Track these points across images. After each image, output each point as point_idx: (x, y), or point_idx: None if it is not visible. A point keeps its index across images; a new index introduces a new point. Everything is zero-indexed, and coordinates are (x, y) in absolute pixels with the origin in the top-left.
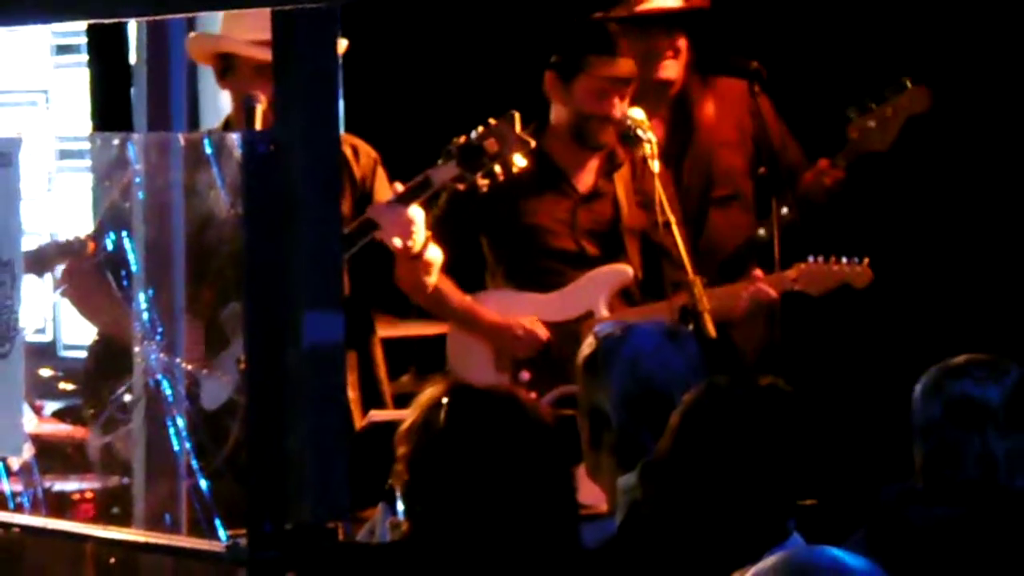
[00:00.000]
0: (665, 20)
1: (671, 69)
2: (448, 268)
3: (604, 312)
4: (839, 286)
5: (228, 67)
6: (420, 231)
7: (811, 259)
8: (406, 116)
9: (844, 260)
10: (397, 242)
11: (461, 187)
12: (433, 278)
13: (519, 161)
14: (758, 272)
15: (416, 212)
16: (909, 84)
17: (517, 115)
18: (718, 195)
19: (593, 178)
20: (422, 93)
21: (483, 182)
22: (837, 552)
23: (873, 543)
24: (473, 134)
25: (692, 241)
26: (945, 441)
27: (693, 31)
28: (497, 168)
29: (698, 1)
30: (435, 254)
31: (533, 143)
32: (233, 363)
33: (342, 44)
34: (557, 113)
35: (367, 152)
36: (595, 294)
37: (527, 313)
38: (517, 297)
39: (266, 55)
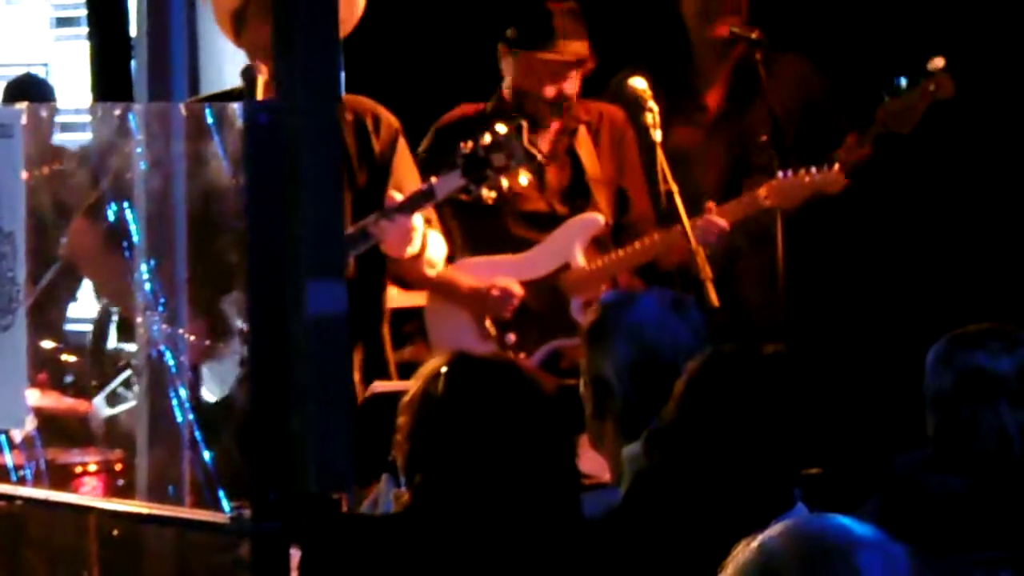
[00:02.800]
0: None
1: (726, 28)
2: None
3: (580, 261)
4: (813, 196)
5: (241, 23)
6: (419, 236)
7: (780, 174)
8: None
9: (813, 169)
10: (397, 252)
11: (465, 198)
12: (437, 270)
13: (523, 179)
14: (710, 204)
15: (416, 218)
16: (936, 69)
17: (525, 124)
18: (756, 163)
19: (552, 137)
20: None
21: (489, 195)
22: (845, 520)
23: (888, 511)
24: (481, 141)
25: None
26: (958, 412)
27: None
28: (504, 182)
29: None
30: (437, 252)
31: (540, 156)
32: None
33: (360, 4)
34: (504, 84)
35: (388, 123)
36: (568, 245)
37: (504, 275)
38: (491, 261)
39: None
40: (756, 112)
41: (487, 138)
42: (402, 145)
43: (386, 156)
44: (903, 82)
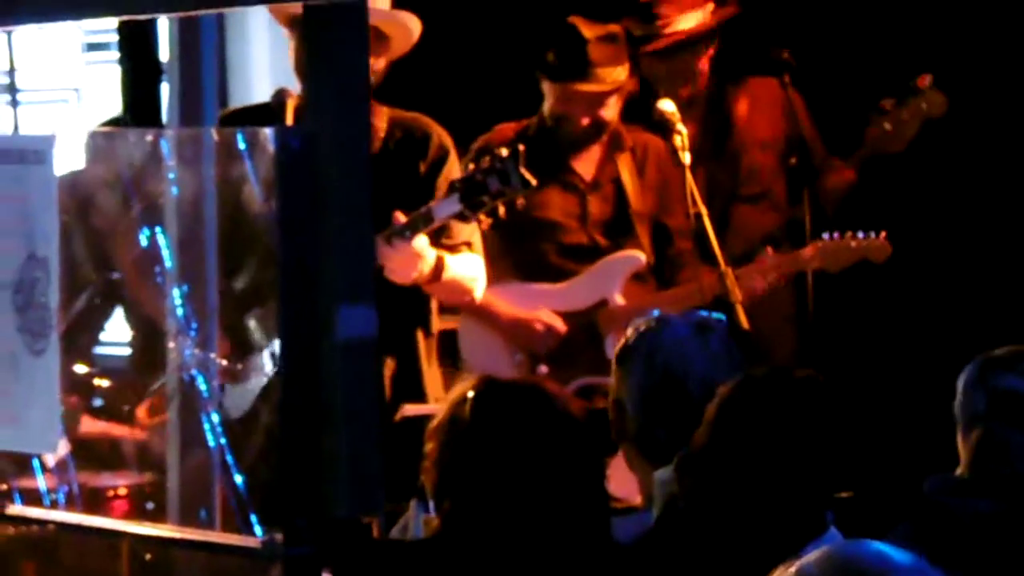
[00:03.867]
0: (700, 40)
1: (698, 84)
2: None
3: (618, 300)
4: (858, 261)
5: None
6: (426, 262)
7: (826, 236)
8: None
9: (860, 235)
10: (401, 278)
11: (464, 223)
12: (477, 294)
13: (521, 202)
14: (769, 250)
15: (420, 242)
16: (925, 87)
17: (523, 149)
18: (747, 193)
19: (596, 165)
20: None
21: (486, 220)
22: (882, 546)
23: (919, 536)
24: (480, 165)
25: (718, 236)
26: (991, 435)
27: (724, 39)
28: (500, 209)
29: (728, 11)
30: (466, 273)
31: (535, 182)
32: (258, 372)
33: (415, 28)
34: (544, 106)
35: (438, 141)
36: (608, 282)
37: (540, 304)
38: (529, 288)
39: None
40: (728, 148)
41: (486, 162)
42: (450, 164)
43: (431, 175)
44: (891, 101)
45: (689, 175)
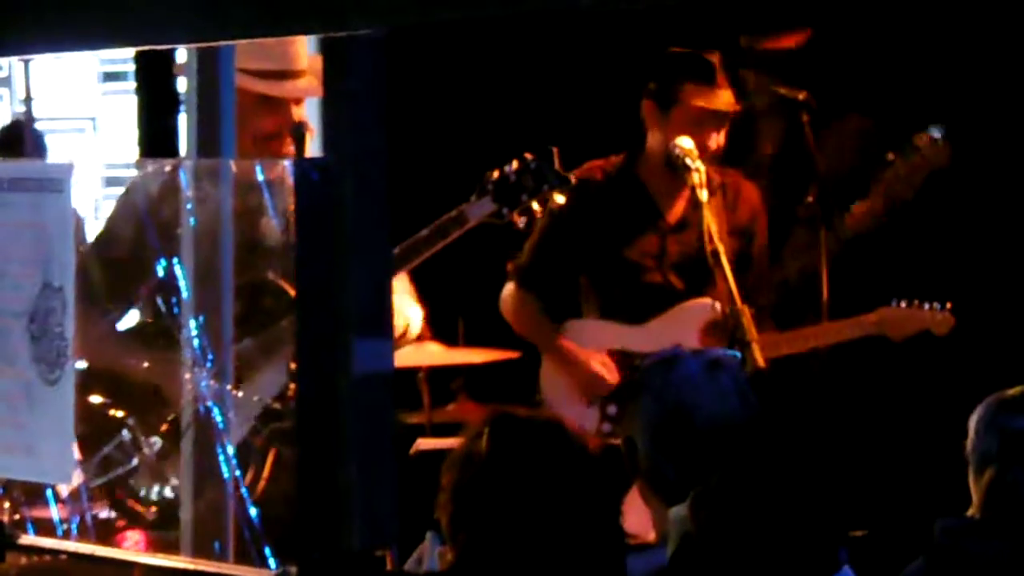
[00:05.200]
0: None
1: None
2: (545, 294)
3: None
4: (920, 332)
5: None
6: (414, 327)
7: (894, 303)
8: (443, 145)
9: (927, 306)
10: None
11: (498, 223)
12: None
13: (558, 198)
14: (828, 325)
15: (412, 308)
16: (928, 139)
17: (556, 150)
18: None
19: (683, 207)
20: (464, 121)
21: (520, 219)
22: None
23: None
24: (507, 168)
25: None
26: (1003, 475)
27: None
28: (535, 205)
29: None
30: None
31: (574, 179)
32: (250, 401)
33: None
34: (652, 140)
35: None
36: (683, 329)
37: (614, 344)
38: (605, 327)
39: (262, 87)
40: (800, 172)
41: (515, 163)
42: None
43: None
44: (894, 154)
45: (707, 212)
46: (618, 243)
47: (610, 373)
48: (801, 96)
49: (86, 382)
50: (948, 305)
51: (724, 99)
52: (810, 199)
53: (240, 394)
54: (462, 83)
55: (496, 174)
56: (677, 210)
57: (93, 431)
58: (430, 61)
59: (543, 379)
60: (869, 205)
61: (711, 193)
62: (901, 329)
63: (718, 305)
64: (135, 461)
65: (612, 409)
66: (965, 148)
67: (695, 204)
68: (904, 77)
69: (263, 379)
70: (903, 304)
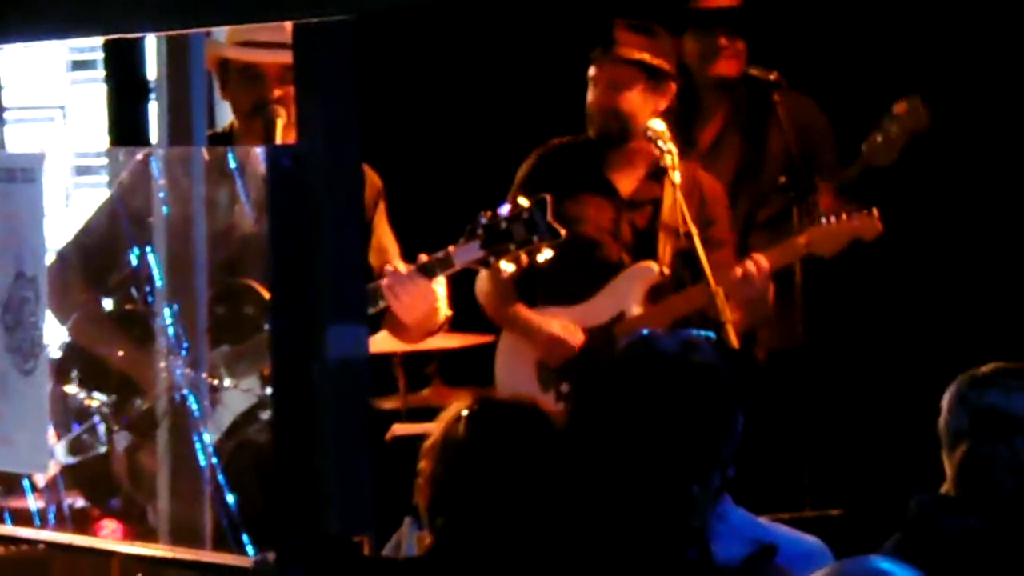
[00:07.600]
0: (724, 17)
1: (728, 67)
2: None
3: (635, 311)
4: (850, 242)
5: (227, 76)
6: (443, 309)
7: (822, 220)
8: (425, 138)
9: (853, 215)
10: (410, 316)
11: (483, 270)
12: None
13: (547, 253)
14: (756, 256)
15: (439, 287)
16: (907, 103)
17: (549, 199)
18: (763, 217)
19: (637, 183)
20: (443, 107)
21: (507, 268)
22: (888, 564)
23: (905, 552)
24: (502, 212)
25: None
26: (975, 452)
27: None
28: (523, 256)
29: None
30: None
31: (564, 233)
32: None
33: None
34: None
35: (371, 181)
36: (625, 294)
37: (567, 322)
38: (556, 310)
39: (250, 55)
40: (772, 153)
41: (508, 209)
42: (382, 208)
43: (368, 215)
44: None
45: (679, 194)
46: (575, 220)
47: (571, 336)
48: (772, 76)
49: (61, 368)
50: (874, 210)
51: (633, 51)
52: (782, 179)
53: (227, 392)
54: (458, 81)
55: (488, 216)
56: (631, 185)
57: (65, 417)
58: (430, 61)
59: (497, 362)
60: (848, 174)
61: (664, 171)
62: (831, 244)
63: (656, 267)
64: (105, 449)
65: (564, 388)
66: (944, 113)
67: (652, 177)
68: (878, 47)
69: (247, 383)
70: (832, 220)
